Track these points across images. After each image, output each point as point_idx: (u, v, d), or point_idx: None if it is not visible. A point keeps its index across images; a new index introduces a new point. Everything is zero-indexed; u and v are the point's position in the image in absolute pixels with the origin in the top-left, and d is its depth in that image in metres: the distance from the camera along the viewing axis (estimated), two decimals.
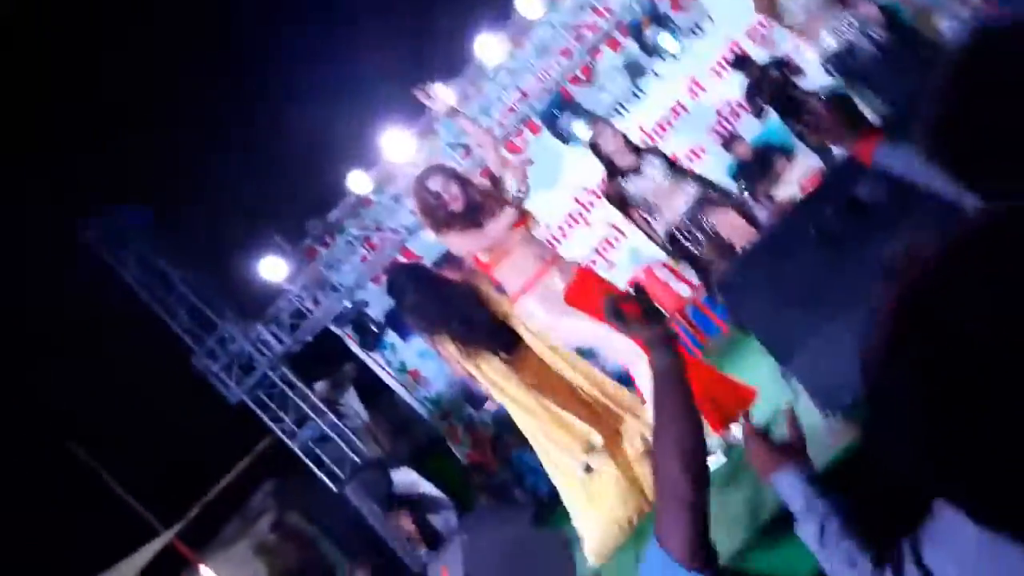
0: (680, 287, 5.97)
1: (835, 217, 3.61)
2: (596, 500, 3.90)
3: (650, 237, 4.86)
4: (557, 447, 3.96)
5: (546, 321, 3.89)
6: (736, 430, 3.68)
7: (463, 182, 3.93)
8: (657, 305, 1.51)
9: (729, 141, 6.04)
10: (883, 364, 0.56)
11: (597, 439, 3.91)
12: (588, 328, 3.76)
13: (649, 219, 4.70)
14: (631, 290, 1.59)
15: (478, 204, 3.88)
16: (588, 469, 3.90)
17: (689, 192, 4.69)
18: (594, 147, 4.66)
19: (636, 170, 4.61)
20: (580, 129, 6.49)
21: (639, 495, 3.89)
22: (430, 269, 4.41)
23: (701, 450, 1.37)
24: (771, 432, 1.84)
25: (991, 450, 0.51)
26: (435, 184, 3.82)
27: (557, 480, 4.05)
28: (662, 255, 5.77)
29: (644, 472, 3.89)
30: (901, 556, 1.34)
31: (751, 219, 4.57)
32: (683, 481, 1.32)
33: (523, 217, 3.99)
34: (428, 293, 4.01)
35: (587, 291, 3.88)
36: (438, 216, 3.84)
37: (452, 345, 4.00)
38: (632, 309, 1.48)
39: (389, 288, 4.20)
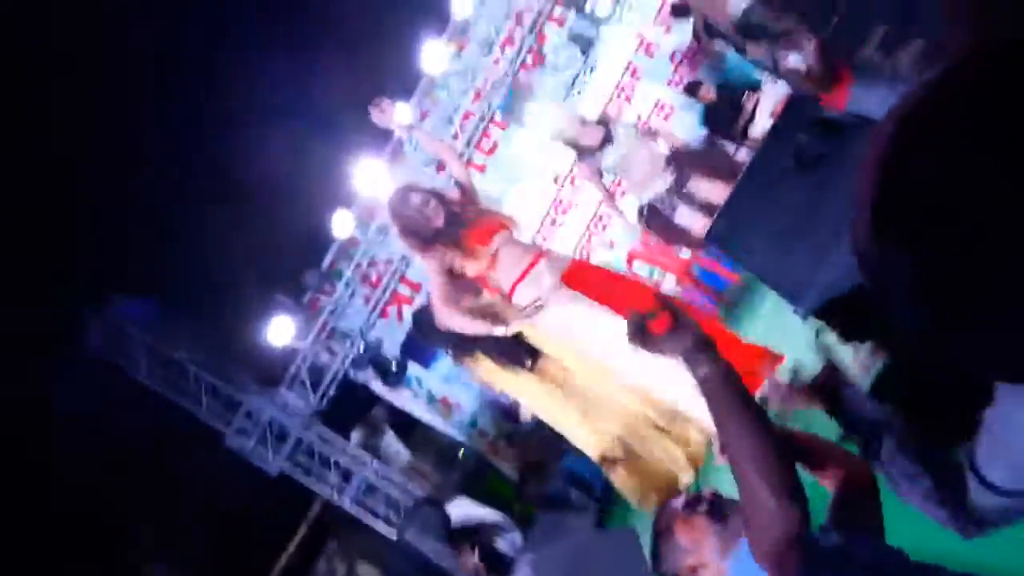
0: (680, 249, 5.87)
1: (809, 140, 3.52)
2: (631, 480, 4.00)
3: (621, 213, 4.82)
4: (585, 446, 4.09)
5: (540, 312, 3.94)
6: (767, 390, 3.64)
7: (439, 196, 3.98)
8: (683, 313, 1.43)
9: (691, 89, 5.94)
10: (869, 244, 0.56)
11: (614, 449, 4.06)
12: (583, 315, 3.80)
13: (625, 190, 4.64)
14: (653, 297, 1.53)
15: (458, 215, 3.91)
16: (614, 460, 4.02)
17: (664, 159, 4.64)
18: (555, 135, 4.63)
19: (609, 140, 4.57)
20: (532, 111, 6.48)
21: (668, 470, 4.04)
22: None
23: (773, 453, 1.30)
24: (799, 374, 1.80)
25: (992, 303, 0.51)
26: (415, 201, 3.87)
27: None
28: None
29: (670, 445, 4.03)
30: (959, 467, 1.34)
31: (732, 171, 4.49)
32: (762, 490, 1.27)
33: (502, 221, 4.01)
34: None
35: (584, 278, 3.90)
36: (424, 235, 3.88)
37: (486, 363, 4.12)
38: (659, 325, 1.40)
39: (417, 329, 4.35)
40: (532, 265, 3.91)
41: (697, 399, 3.78)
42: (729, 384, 1.35)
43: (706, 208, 4.37)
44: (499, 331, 3.87)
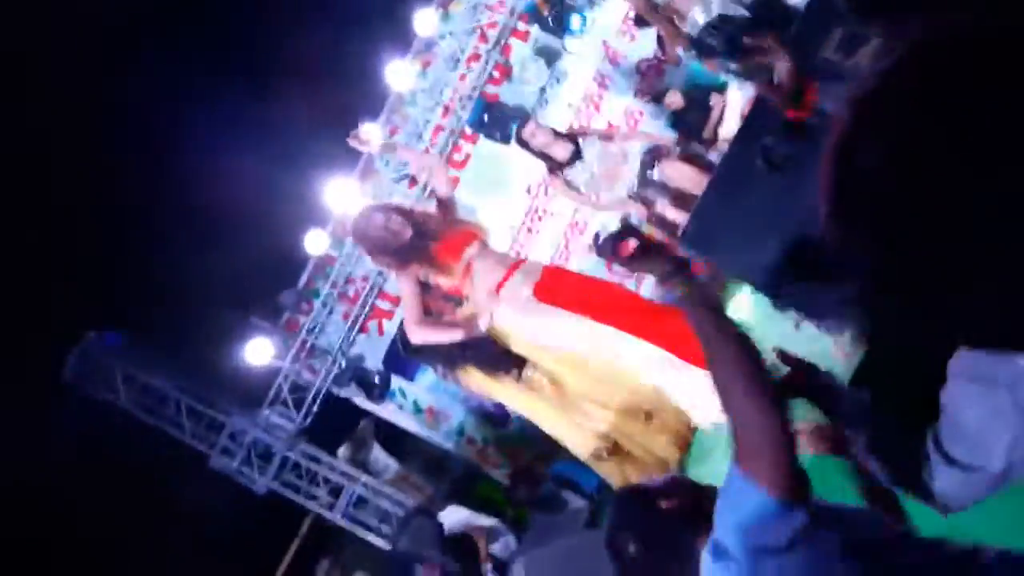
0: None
1: (776, 142, 3.67)
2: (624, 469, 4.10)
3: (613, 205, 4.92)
4: (575, 447, 4.21)
5: (516, 321, 4.05)
6: None
7: (401, 210, 4.05)
8: (654, 241, 1.51)
9: (658, 96, 6.08)
10: (831, 226, 0.59)
11: (602, 446, 4.19)
12: (560, 324, 3.93)
13: (601, 197, 4.75)
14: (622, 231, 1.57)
15: (425, 228, 3.98)
16: (603, 456, 4.17)
17: (634, 157, 4.74)
18: (524, 145, 4.71)
19: (579, 156, 4.65)
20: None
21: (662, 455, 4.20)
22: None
23: (758, 368, 1.33)
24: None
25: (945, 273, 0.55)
26: (378, 220, 3.92)
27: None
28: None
29: (661, 437, 4.18)
30: (929, 456, 1.41)
31: (704, 165, 4.60)
32: (748, 406, 1.29)
33: (472, 232, 4.09)
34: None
35: (557, 285, 4.00)
36: (394, 251, 3.94)
37: (476, 374, 4.21)
38: (625, 248, 1.49)
39: (404, 347, 4.46)
40: (507, 277, 4.00)
41: (677, 381, 3.98)
42: (701, 304, 1.41)
43: (679, 197, 4.47)
44: (475, 331, 3.98)
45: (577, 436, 4.42)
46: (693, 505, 1.49)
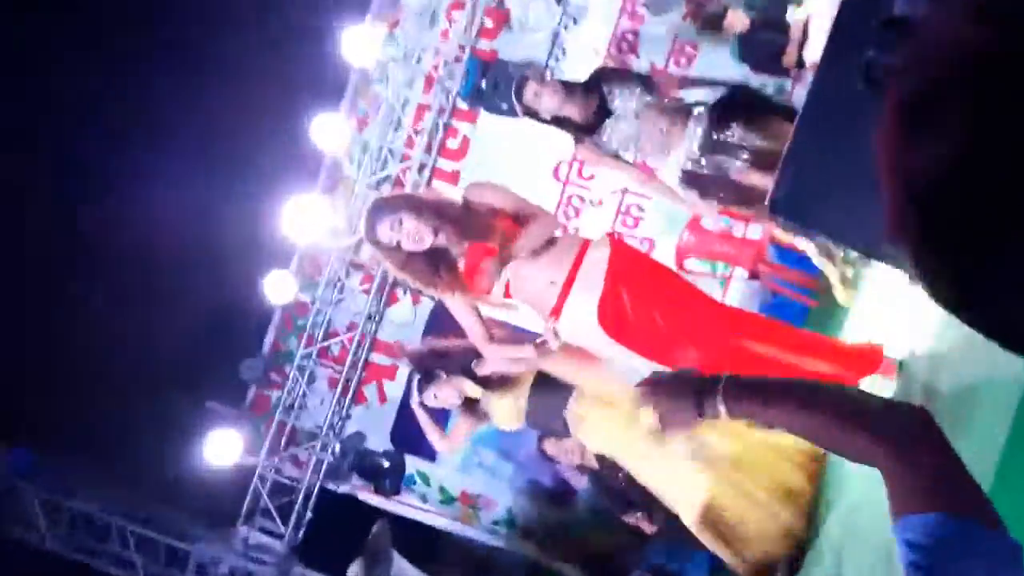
0: (747, 229, 6.02)
1: (878, 51, 3.70)
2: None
3: (667, 190, 4.95)
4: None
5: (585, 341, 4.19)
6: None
7: (415, 205, 4.03)
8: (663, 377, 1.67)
9: (713, 20, 6.02)
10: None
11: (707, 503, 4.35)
12: (629, 360, 4.05)
13: (655, 164, 4.78)
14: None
15: (445, 228, 4.00)
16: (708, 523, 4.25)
17: (697, 108, 4.76)
18: (532, 114, 4.77)
19: (608, 112, 4.68)
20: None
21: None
22: (430, 347, 5.10)
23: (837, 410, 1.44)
24: None
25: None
26: (384, 235, 3.92)
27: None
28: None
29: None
30: None
31: (788, 110, 4.63)
32: (864, 443, 1.37)
33: (494, 246, 4.15)
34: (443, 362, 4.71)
35: (624, 307, 4.07)
36: (414, 270, 4.05)
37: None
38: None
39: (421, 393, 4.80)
40: (564, 295, 4.05)
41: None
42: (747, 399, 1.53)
43: (758, 157, 4.49)
44: (552, 344, 4.20)
45: (676, 483, 4.50)
46: None
